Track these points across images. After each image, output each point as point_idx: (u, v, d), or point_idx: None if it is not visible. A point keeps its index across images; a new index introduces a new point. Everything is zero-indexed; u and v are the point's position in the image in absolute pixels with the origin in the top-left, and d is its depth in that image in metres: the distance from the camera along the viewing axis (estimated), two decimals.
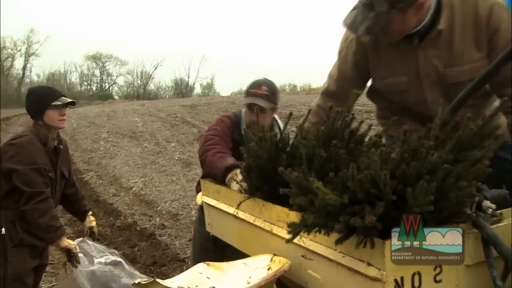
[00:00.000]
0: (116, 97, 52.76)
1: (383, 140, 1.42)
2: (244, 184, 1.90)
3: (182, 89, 57.68)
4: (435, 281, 1.32)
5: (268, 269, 1.55)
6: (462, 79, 1.84)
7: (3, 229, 2.62)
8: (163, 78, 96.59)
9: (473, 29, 1.86)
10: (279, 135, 1.78)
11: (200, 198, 2.36)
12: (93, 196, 7.72)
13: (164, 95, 57.36)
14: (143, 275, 2.98)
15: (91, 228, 3.15)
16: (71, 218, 6.19)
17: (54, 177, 2.84)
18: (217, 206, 2.14)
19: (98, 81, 57.35)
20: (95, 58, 56.21)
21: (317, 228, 1.28)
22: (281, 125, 2.06)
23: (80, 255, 2.86)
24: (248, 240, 1.93)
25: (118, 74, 57.85)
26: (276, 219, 1.69)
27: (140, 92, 55.44)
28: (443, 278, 1.32)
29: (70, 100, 2.91)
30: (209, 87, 59.02)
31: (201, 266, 1.67)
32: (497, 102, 1.98)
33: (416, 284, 1.30)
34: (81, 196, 3.24)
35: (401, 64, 1.95)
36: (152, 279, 1.41)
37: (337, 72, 2.22)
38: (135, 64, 67.05)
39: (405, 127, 1.26)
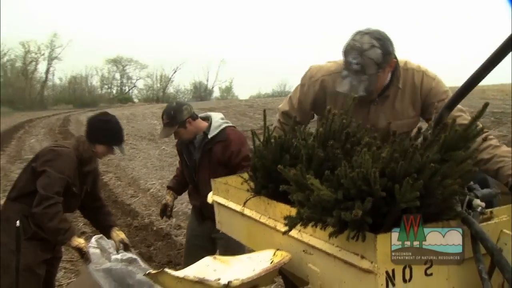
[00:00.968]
0: (135, 100, 53.49)
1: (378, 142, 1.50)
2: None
3: (201, 92, 58.11)
4: (426, 274, 1.40)
5: (271, 262, 1.64)
6: (400, 131, 2.08)
7: (17, 222, 2.77)
8: (182, 82, 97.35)
9: (411, 93, 2.32)
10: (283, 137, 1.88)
11: (211, 197, 2.47)
12: (111, 197, 7.89)
13: (183, 98, 57.87)
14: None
15: (121, 241, 3.12)
16: None
17: (77, 192, 2.96)
18: (226, 204, 2.24)
19: (118, 84, 58.15)
20: (116, 62, 57.01)
21: (313, 223, 1.37)
22: None
23: (97, 251, 2.97)
24: (255, 236, 2.02)
25: (138, 78, 58.57)
26: (280, 216, 1.77)
27: (160, 95, 56.01)
28: (433, 271, 1.40)
29: (124, 148, 3.11)
30: (227, 90, 59.39)
31: (208, 259, 1.77)
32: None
33: (407, 277, 1.37)
34: (105, 211, 3.29)
35: (354, 112, 2.14)
36: (161, 269, 1.51)
37: (297, 102, 2.53)
38: (154, 68, 67.73)
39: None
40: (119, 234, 3.15)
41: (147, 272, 1.53)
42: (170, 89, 59.40)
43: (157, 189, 8.38)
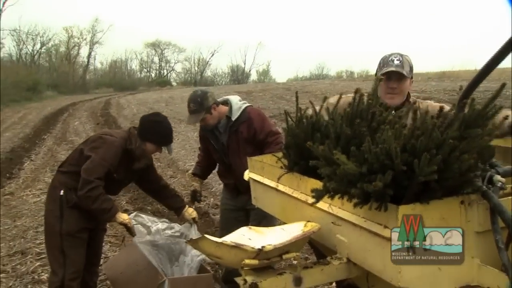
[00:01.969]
0: (174, 83, 54.34)
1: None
2: None
3: (238, 75, 58.39)
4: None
5: (302, 232, 1.77)
6: None
7: (62, 191, 3.04)
8: (219, 65, 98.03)
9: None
10: (315, 117, 2.00)
11: (247, 174, 2.61)
12: None
13: (221, 81, 58.40)
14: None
15: (194, 219, 3.42)
16: (132, 197, 6.70)
17: (118, 179, 3.20)
18: (261, 181, 2.38)
19: (157, 68, 59.28)
20: (154, 46, 58.01)
21: (339, 195, 1.50)
22: None
23: (139, 226, 3.24)
24: (288, 210, 2.16)
25: (176, 61, 59.54)
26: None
27: (197, 79, 56.69)
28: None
29: (171, 149, 3.41)
30: (265, 73, 59.46)
31: (244, 229, 1.92)
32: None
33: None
34: (171, 194, 3.56)
35: None
36: (202, 235, 1.67)
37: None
38: (192, 51, 68.47)
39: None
40: (191, 213, 3.43)
41: (188, 239, 1.68)
42: (208, 72, 60.07)
43: None
